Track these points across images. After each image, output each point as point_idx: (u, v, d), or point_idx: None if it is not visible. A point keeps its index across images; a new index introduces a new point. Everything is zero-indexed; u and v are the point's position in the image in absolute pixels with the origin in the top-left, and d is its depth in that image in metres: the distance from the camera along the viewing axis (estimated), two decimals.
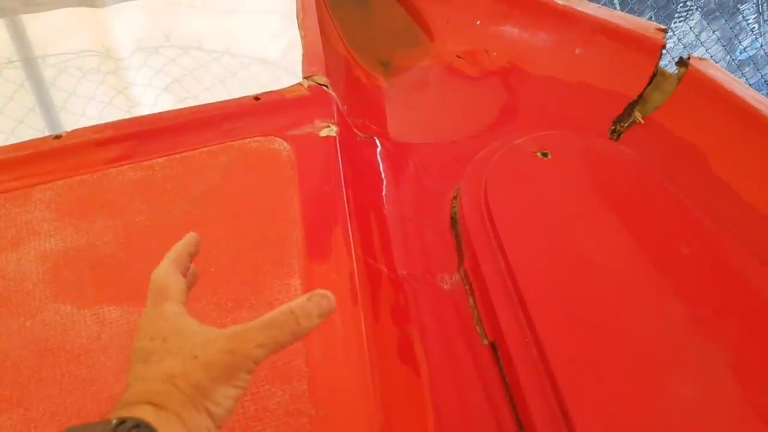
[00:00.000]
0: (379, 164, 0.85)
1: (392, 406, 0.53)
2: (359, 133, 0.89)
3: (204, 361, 0.36)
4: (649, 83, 0.83)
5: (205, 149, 0.73)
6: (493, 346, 0.63)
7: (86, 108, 1.73)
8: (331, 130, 0.76)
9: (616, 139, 0.85)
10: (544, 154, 0.78)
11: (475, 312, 0.68)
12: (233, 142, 0.74)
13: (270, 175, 0.70)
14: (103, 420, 0.33)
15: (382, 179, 0.83)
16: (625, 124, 0.84)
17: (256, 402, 0.51)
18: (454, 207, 0.81)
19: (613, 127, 0.85)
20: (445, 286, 0.72)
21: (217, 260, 0.61)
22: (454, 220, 0.80)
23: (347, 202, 0.69)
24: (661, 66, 0.83)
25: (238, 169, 0.71)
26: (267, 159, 0.72)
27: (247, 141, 0.74)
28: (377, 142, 0.90)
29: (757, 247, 0.63)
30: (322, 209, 0.67)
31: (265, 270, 0.61)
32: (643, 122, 0.83)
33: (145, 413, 0.34)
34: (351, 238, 0.66)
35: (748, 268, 0.63)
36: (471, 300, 0.70)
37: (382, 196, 0.80)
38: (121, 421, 0.32)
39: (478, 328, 0.66)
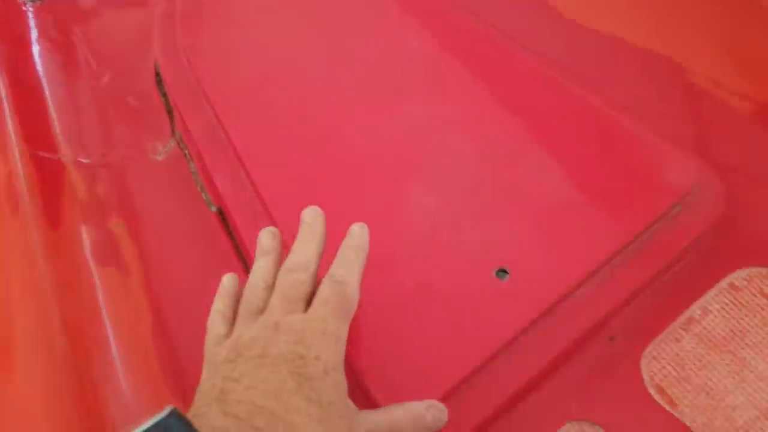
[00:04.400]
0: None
1: (87, 323, 0.43)
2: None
3: None
4: None
5: None
6: (221, 212, 0.55)
7: None
8: None
9: None
10: None
11: (197, 179, 0.58)
12: None
13: None
14: None
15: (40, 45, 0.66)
16: None
17: None
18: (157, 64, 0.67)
19: None
20: (159, 158, 0.61)
21: None
22: (159, 78, 0.67)
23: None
24: None
25: None
26: None
27: None
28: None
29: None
30: None
31: None
32: None
33: None
34: (9, 128, 0.51)
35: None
36: (191, 166, 0.60)
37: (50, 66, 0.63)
38: None
39: (203, 195, 0.57)
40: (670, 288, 0.46)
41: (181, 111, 0.58)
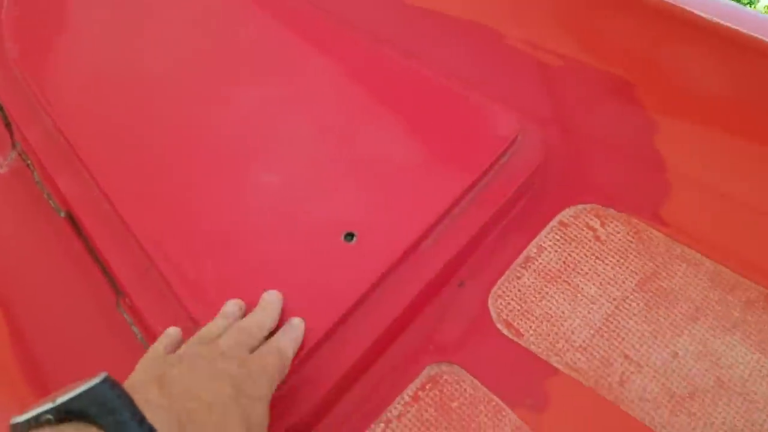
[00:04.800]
0: None
1: None
2: None
3: None
4: None
5: None
6: (69, 216, 0.53)
7: None
8: None
9: None
10: None
11: (43, 186, 0.56)
12: None
13: None
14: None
15: None
16: None
17: None
18: None
19: None
20: (1, 171, 0.58)
21: None
22: None
23: None
24: None
25: None
26: None
27: None
28: None
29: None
30: None
31: None
32: None
33: None
34: None
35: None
36: (35, 175, 0.57)
37: None
38: None
39: (51, 202, 0.55)
40: (509, 232, 0.50)
41: (17, 121, 0.55)
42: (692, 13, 0.47)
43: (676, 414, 0.42)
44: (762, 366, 0.44)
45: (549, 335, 0.45)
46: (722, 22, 0.47)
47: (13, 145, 0.59)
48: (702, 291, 0.47)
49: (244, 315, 0.40)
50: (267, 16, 0.60)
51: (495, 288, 0.47)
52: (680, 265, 0.48)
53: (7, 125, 0.61)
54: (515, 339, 0.45)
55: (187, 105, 0.53)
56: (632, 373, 0.44)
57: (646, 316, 0.46)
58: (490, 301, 0.46)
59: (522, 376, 0.44)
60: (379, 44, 0.56)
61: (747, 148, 0.48)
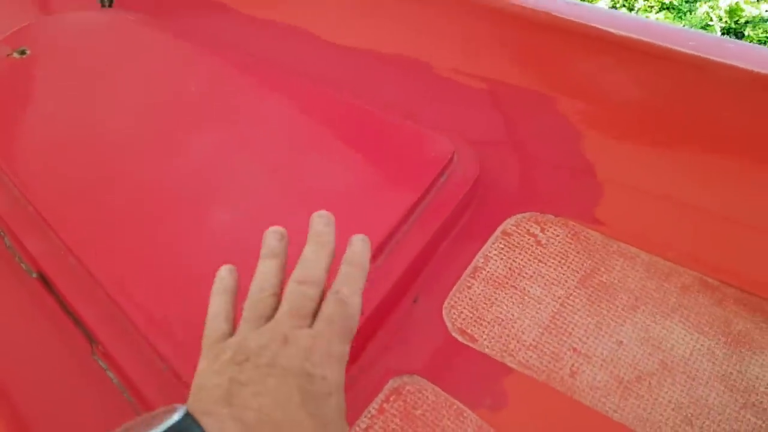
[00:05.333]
0: None
1: None
2: None
3: None
4: None
5: None
6: (41, 276, 0.55)
7: None
8: None
9: (110, 5, 0.77)
10: (22, 53, 0.67)
11: (14, 250, 0.58)
12: None
13: None
14: None
15: None
16: None
17: None
18: None
19: None
20: None
21: None
22: None
23: None
24: None
25: None
26: None
27: None
28: None
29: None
30: None
31: None
32: None
33: None
34: None
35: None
36: (6, 240, 0.60)
37: None
38: None
39: (22, 265, 0.58)
40: (456, 246, 0.53)
41: None
42: (599, 28, 0.52)
43: (626, 398, 0.45)
44: (701, 345, 0.47)
45: (501, 337, 0.48)
46: (627, 34, 0.52)
47: None
48: (639, 281, 0.50)
49: (287, 243, 0.39)
50: (212, 68, 0.64)
51: (447, 300, 0.50)
52: (617, 260, 0.51)
53: None
54: (470, 344, 0.48)
55: (144, 157, 0.57)
56: (581, 364, 0.47)
57: (589, 310, 0.49)
58: (444, 312, 0.49)
59: (480, 378, 0.46)
60: (319, 85, 0.60)
61: (663, 148, 0.53)
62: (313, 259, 0.37)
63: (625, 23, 0.52)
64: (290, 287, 0.36)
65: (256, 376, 0.32)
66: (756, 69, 0.47)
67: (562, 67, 0.54)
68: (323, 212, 0.39)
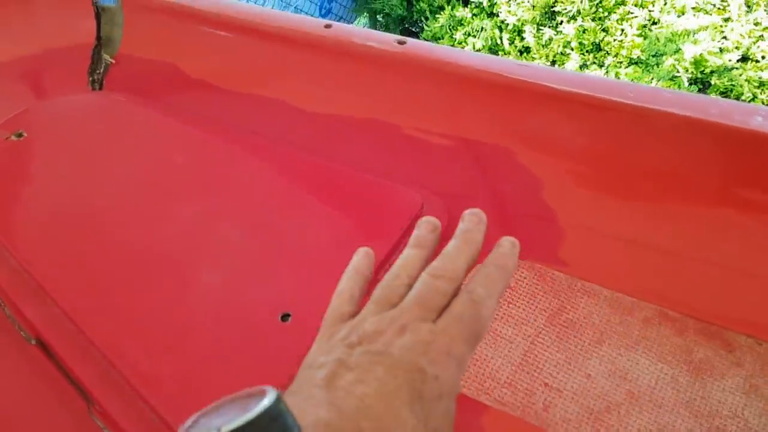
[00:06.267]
0: None
1: None
2: None
3: None
4: (98, 22, 0.82)
5: None
6: (40, 343, 0.58)
7: None
8: None
9: (101, 88, 0.83)
10: (19, 135, 0.72)
11: (12, 319, 0.61)
12: None
13: None
14: None
15: None
16: (101, 71, 0.82)
17: None
18: None
19: (91, 79, 0.83)
20: None
21: None
22: None
23: None
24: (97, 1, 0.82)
25: None
26: None
27: None
28: None
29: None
30: None
31: None
32: (114, 62, 0.82)
33: None
34: None
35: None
36: (5, 310, 0.63)
37: None
38: None
39: (21, 333, 0.60)
40: None
41: None
42: (546, 85, 0.57)
43: (597, 428, 0.47)
44: (665, 374, 0.50)
45: (477, 377, 0.51)
46: (572, 89, 0.57)
47: None
48: (604, 317, 0.53)
49: (439, 237, 0.37)
50: (196, 141, 0.69)
51: None
52: (582, 298, 0.55)
53: None
54: None
55: (134, 227, 0.60)
56: (554, 398, 0.49)
57: (558, 347, 0.52)
58: None
59: (457, 417, 0.49)
60: (297, 150, 0.65)
61: (615, 191, 0.57)
62: (454, 255, 0.34)
63: (571, 79, 0.57)
64: (422, 278, 0.33)
65: (365, 361, 0.29)
66: (691, 114, 0.52)
67: (518, 122, 0.59)
68: (476, 210, 0.37)
